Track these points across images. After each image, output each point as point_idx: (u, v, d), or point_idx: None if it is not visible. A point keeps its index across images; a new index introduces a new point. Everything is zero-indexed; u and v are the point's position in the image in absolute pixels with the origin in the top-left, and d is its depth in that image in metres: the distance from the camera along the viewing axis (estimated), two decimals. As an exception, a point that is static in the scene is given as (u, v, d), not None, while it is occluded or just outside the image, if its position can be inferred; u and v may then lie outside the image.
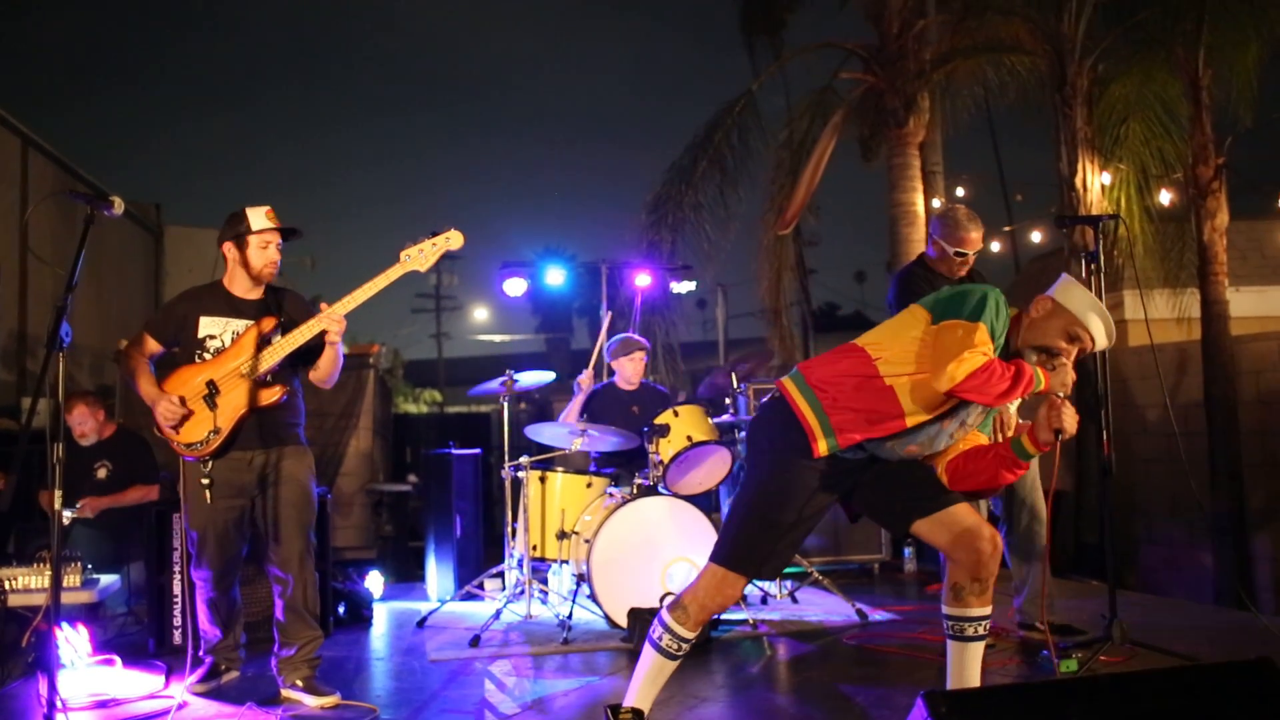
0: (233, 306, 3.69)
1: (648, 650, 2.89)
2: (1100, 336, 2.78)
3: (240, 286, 3.71)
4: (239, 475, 3.63)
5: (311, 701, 3.59)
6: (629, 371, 5.56)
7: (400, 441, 11.03)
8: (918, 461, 2.87)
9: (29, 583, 3.74)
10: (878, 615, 4.82)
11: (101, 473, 5.06)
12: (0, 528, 5.10)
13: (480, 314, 31.04)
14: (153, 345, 3.69)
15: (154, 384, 3.59)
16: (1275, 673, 2.30)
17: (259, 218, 3.68)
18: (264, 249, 3.68)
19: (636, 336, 5.67)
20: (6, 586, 3.72)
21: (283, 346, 3.59)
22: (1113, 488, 3.85)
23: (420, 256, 3.59)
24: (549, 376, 5.40)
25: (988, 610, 2.87)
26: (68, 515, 4.77)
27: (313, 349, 3.65)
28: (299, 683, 3.66)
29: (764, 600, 5.18)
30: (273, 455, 3.67)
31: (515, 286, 7.05)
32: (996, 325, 2.75)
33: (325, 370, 3.74)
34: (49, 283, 7.39)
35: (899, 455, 2.84)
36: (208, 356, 3.63)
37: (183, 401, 3.53)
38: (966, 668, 2.89)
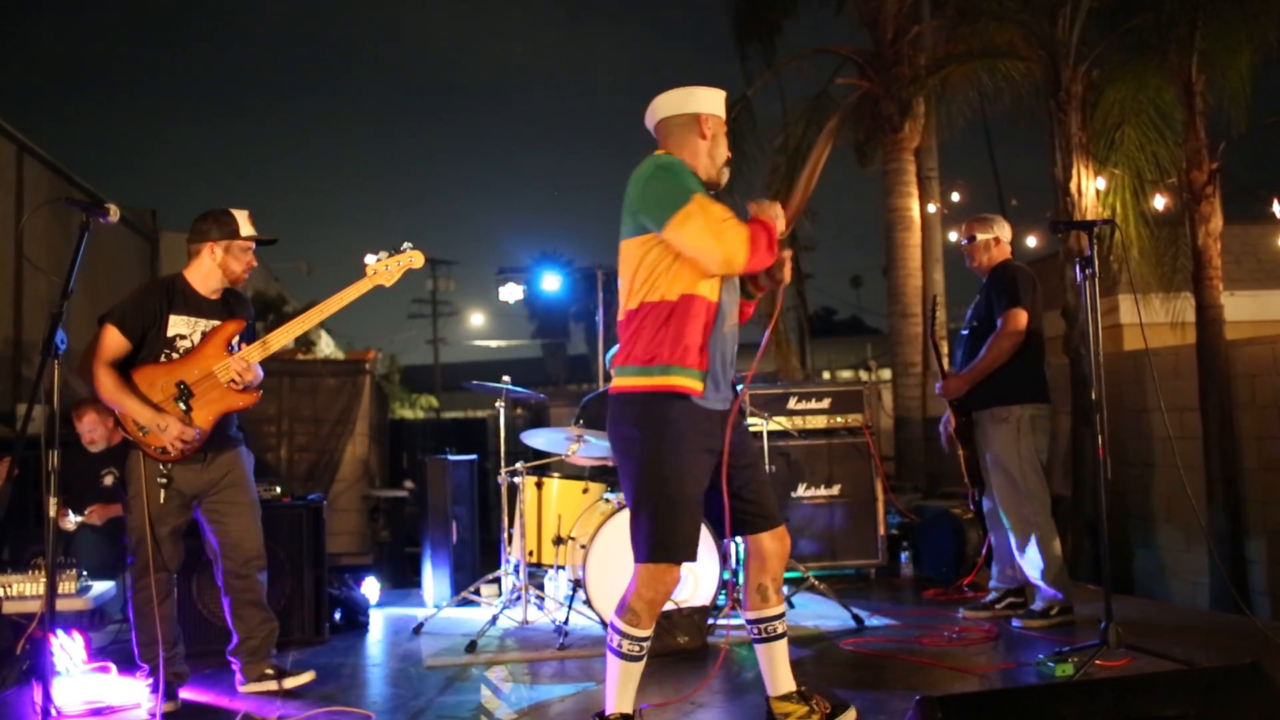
0: (198, 305, 3.65)
1: (612, 659, 2.91)
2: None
3: (206, 285, 3.67)
4: (196, 476, 3.62)
5: (290, 683, 3.68)
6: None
7: (396, 447, 11.04)
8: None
9: (24, 589, 3.74)
10: (874, 620, 4.82)
11: (108, 480, 5.07)
12: (-5, 534, 5.09)
13: (477, 319, 31.07)
14: (120, 344, 3.53)
15: (146, 401, 3.49)
16: (1269, 677, 2.30)
17: (246, 223, 3.67)
18: (246, 253, 3.69)
19: None
20: (1, 593, 3.71)
21: (257, 352, 3.60)
22: (1108, 492, 3.86)
23: (386, 272, 3.68)
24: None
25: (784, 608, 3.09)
26: (75, 520, 4.78)
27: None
28: (268, 671, 3.72)
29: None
30: (224, 456, 3.69)
31: (512, 292, 7.07)
32: (697, 181, 2.96)
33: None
34: (44, 289, 7.38)
35: (733, 332, 2.97)
36: (175, 356, 3.57)
37: (157, 402, 3.50)
38: (781, 665, 3.05)
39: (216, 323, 3.64)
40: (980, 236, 4.66)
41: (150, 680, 3.61)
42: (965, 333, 4.74)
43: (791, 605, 5.17)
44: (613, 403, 2.91)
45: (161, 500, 3.55)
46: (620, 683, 2.91)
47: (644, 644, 2.89)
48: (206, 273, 3.66)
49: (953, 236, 10.42)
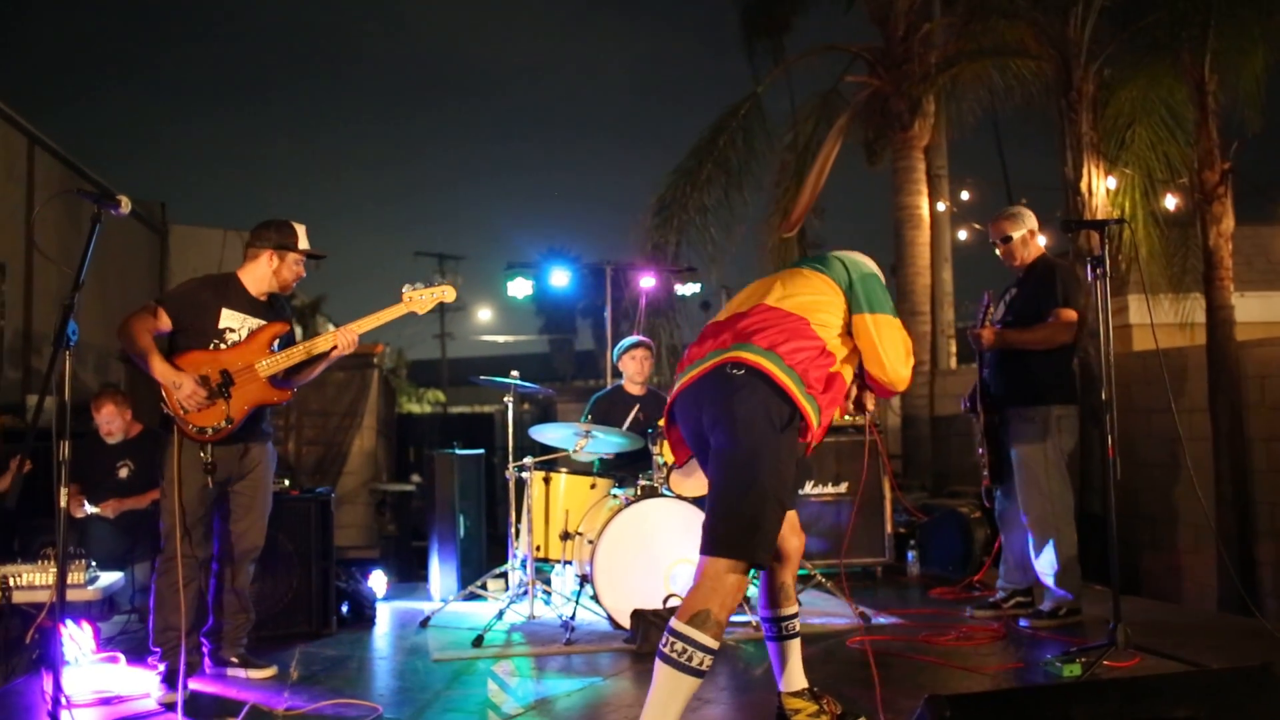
0: (250, 304, 3.86)
1: (674, 674, 2.56)
2: None
3: (257, 287, 3.88)
4: (231, 464, 3.78)
5: (254, 674, 3.85)
6: (632, 370, 5.57)
7: (403, 441, 11.06)
8: None
9: (33, 579, 3.75)
10: (881, 618, 4.82)
11: (123, 472, 5.09)
12: (5, 525, 5.11)
13: (484, 314, 31.08)
14: (164, 322, 3.70)
15: (169, 363, 3.63)
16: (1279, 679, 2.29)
17: (304, 238, 3.90)
18: (298, 265, 3.91)
19: (638, 336, 5.70)
20: (11, 583, 3.72)
21: (299, 353, 3.79)
22: (1117, 492, 3.84)
23: (420, 300, 3.95)
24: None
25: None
26: (89, 509, 4.81)
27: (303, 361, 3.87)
28: (234, 659, 3.88)
29: (767, 602, 5.16)
30: (255, 448, 3.86)
31: (521, 287, 7.08)
32: None
33: (302, 379, 3.95)
34: (54, 280, 7.41)
35: None
36: (223, 347, 3.75)
37: (203, 383, 3.62)
38: (795, 662, 3.09)
39: (263, 322, 3.84)
40: (1015, 234, 4.56)
41: (163, 666, 3.65)
42: (999, 327, 4.62)
43: (799, 603, 5.17)
44: (748, 377, 2.74)
45: (209, 485, 3.69)
46: (681, 703, 2.58)
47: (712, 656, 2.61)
48: (260, 276, 3.87)
49: (962, 235, 10.40)
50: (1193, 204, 6.98)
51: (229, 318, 3.79)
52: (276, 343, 3.82)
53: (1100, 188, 7.10)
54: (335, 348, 3.81)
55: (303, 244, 3.89)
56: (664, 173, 9.23)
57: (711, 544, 2.66)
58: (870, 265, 3.05)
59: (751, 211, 9.43)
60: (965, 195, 10.50)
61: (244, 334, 3.79)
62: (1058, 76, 7.23)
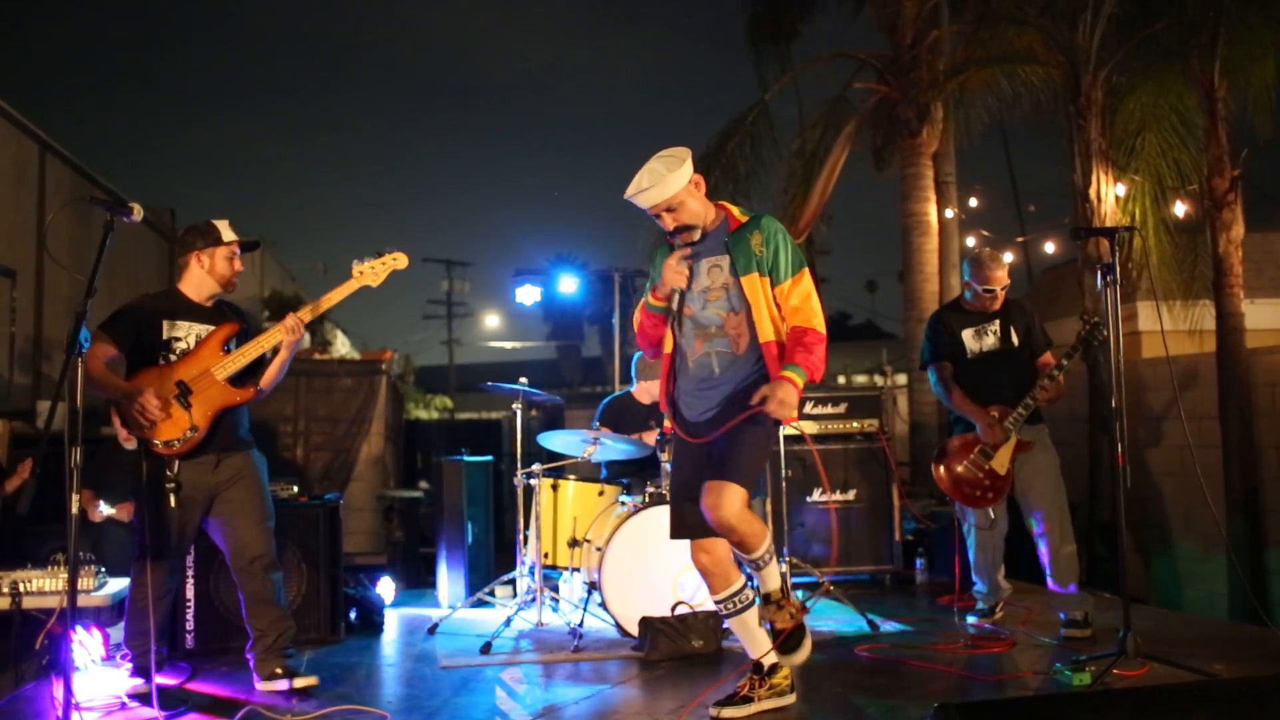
0: (194, 311, 3.83)
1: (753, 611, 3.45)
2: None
3: (200, 293, 3.85)
4: (204, 475, 3.74)
5: (299, 683, 3.73)
6: (656, 391, 5.56)
7: (411, 447, 11.05)
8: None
9: (43, 585, 3.77)
10: (889, 626, 4.80)
11: None
12: (15, 530, 5.13)
13: (491, 320, 31.09)
14: (108, 350, 3.68)
15: (122, 381, 3.63)
16: (1293, 689, 2.28)
17: (227, 230, 3.85)
18: (230, 260, 3.87)
19: None
20: (21, 589, 3.74)
21: (253, 349, 3.77)
22: (1127, 500, 3.83)
23: (372, 273, 3.90)
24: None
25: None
26: (106, 512, 4.83)
27: (261, 359, 3.86)
28: (278, 670, 3.78)
29: (775, 610, 5.15)
30: (232, 458, 3.81)
31: (529, 294, 7.08)
32: None
33: (269, 378, 3.91)
34: (65, 287, 7.44)
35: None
36: (173, 358, 3.73)
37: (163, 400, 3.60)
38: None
39: (211, 327, 3.82)
40: (1007, 279, 4.74)
41: (132, 667, 3.75)
42: (985, 353, 4.70)
43: (807, 610, 5.15)
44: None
45: (173, 504, 3.65)
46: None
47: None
48: (198, 281, 3.85)
49: (970, 242, 10.38)
50: (1202, 211, 6.96)
51: (173, 328, 3.76)
52: (230, 344, 3.80)
53: (1109, 194, 7.08)
54: (284, 340, 3.78)
55: (227, 235, 3.83)
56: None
57: None
58: (776, 223, 3.42)
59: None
60: (973, 202, 10.49)
61: (192, 341, 3.76)
62: (1066, 83, 7.22)
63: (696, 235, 3.36)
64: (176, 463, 3.66)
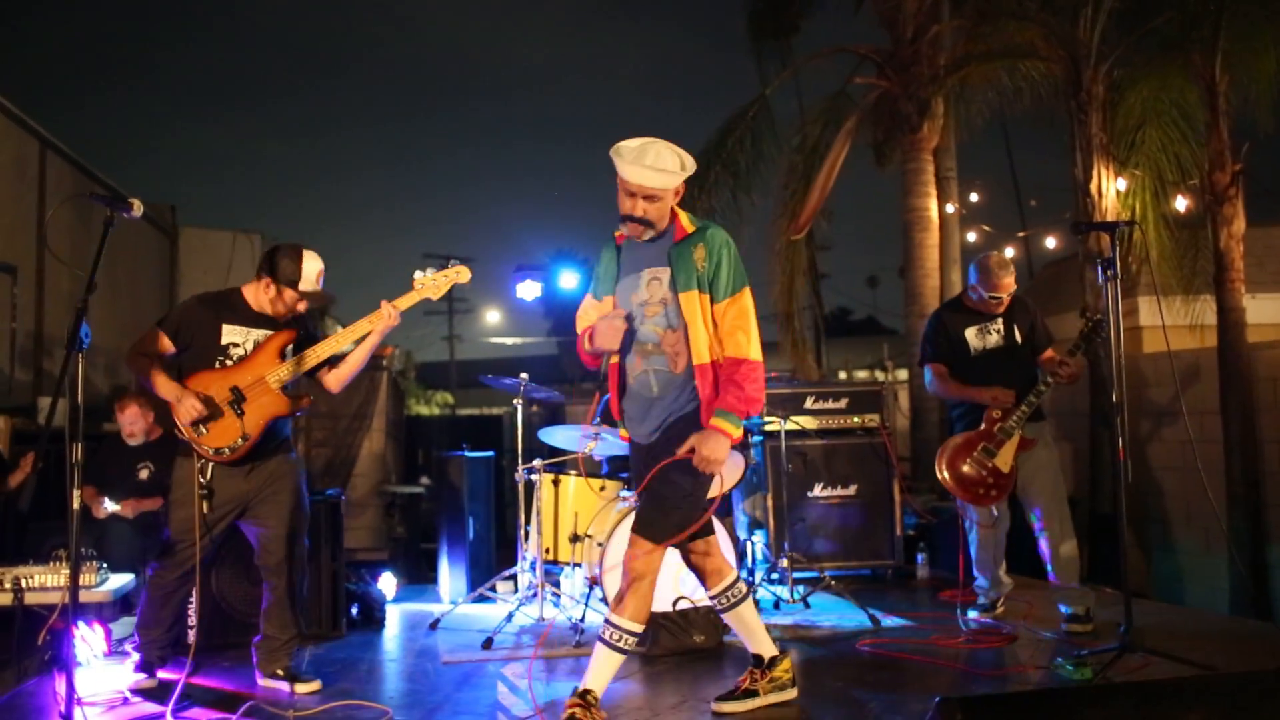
0: (252, 317, 3.78)
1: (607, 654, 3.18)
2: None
3: (259, 303, 3.80)
4: (236, 484, 3.70)
5: (300, 688, 3.73)
6: None
7: (412, 443, 11.05)
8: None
9: (45, 581, 3.77)
10: (890, 621, 4.81)
11: (144, 474, 5.11)
12: (16, 526, 5.13)
13: (492, 316, 31.10)
14: (166, 344, 3.68)
15: (173, 381, 3.61)
16: (1294, 683, 2.28)
17: (311, 279, 3.74)
18: (297, 302, 3.78)
19: None
20: (23, 585, 3.74)
21: (310, 357, 3.73)
22: (1128, 495, 3.83)
23: (433, 286, 3.79)
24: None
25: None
26: (110, 508, 4.84)
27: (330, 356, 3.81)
28: (279, 671, 3.79)
29: (776, 605, 5.17)
30: (269, 464, 3.77)
31: (530, 290, 7.07)
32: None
33: (346, 373, 3.89)
34: (65, 283, 7.44)
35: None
36: (229, 363, 3.69)
37: (209, 403, 3.58)
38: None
39: (270, 333, 3.75)
40: (1014, 285, 4.74)
41: (138, 657, 3.76)
42: (988, 351, 4.71)
43: (808, 605, 5.17)
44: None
45: (206, 510, 3.64)
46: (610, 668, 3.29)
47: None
48: (258, 295, 3.79)
49: (971, 237, 10.38)
50: (1204, 205, 6.95)
51: (231, 333, 3.72)
52: (287, 351, 3.76)
53: (1110, 189, 7.08)
54: (376, 328, 3.70)
55: (304, 285, 3.74)
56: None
57: None
58: (721, 235, 3.28)
59: (759, 214, 9.44)
60: (974, 197, 10.48)
61: (249, 347, 3.72)
62: (1067, 78, 7.21)
63: (648, 235, 3.24)
64: (211, 468, 3.63)
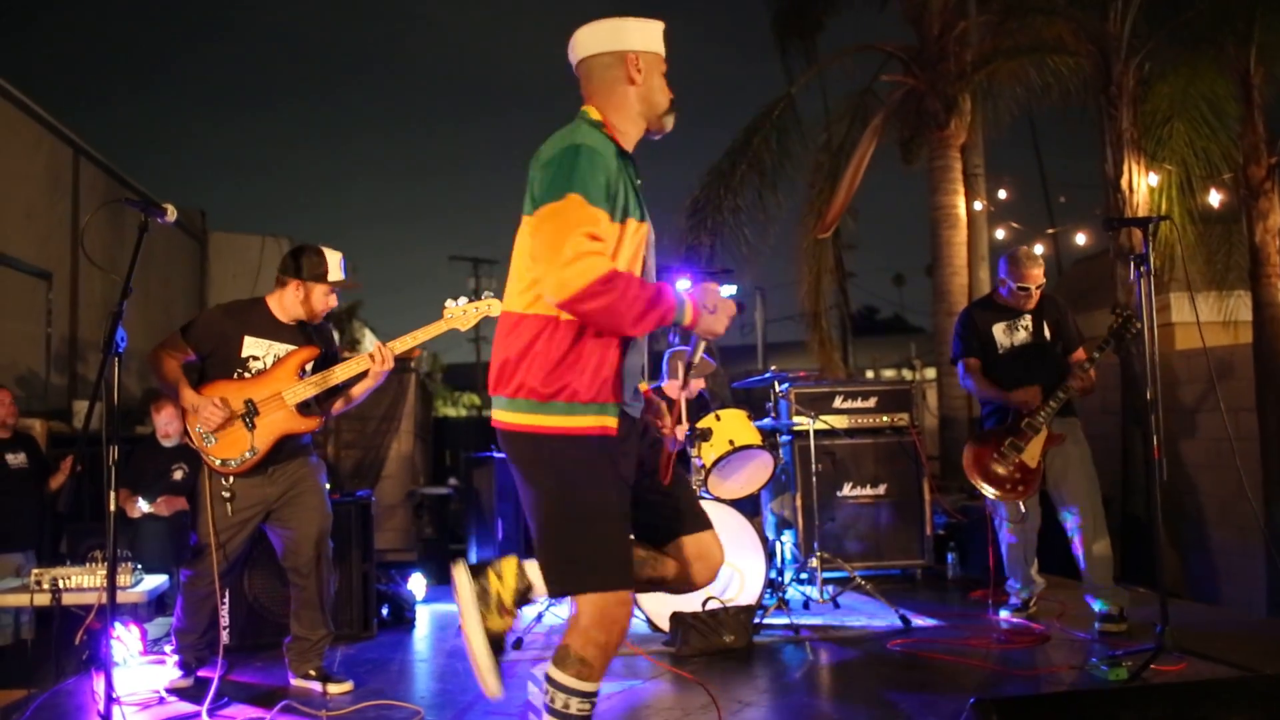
0: (275, 329, 3.77)
1: None
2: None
3: (286, 314, 3.80)
4: (260, 488, 3.73)
5: (332, 689, 3.75)
6: (694, 388, 5.56)
7: (440, 445, 11.11)
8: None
9: (82, 582, 3.82)
10: (921, 621, 4.78)
11: (178, 474, 5.18)
12: (54, 527, 5.21)
13: (518, 318, 31.08)
14: (187, 351, 3.71)
15: (193, 388, 3.63)
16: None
17: (337, 269, 3.78)
18: (326, 296, 3.81)
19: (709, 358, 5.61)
20: (61, 585, 3.80)
21: (328, 379, 3.73)
22: (1163, 493, 3.79)
23: (463, 316, 3.79)
24: None
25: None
26: (144, 508, 4.91)
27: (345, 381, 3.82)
28: (311, 672, 3.82)
29: (806, 605, 5.15)
30: (291, 466, 3.78)
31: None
32: (598, 181, 2.18)
33: (342, 405, 3.93)
34: (98, 288, 7.54)
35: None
36: (248, 375, 3.70)
37: (225, 405, 3.61)
38: None
39: (291, 348, 3.75)
40: (1043, 278, 4.69)
41: (177, 658, 3.83)
42: (1016, 348, 4.67)
43: (837, 605, 5.14)
44: (512, 438, 2.38)
45: (229, 514, 3.67)
46: None
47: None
48: (289, 304, 3.78)
49: (999, 234, 10.28)
50: (1237, 200, 6.86)
51: (252, 345, 3.71)
52: (306, 368, 3.75)
53: (1141, 184, 6.99)
54: (369, 369, 3.72)
55: (333, 275, 3.77)
56: (697, 174, 9.22)
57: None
58: (561, 140, 2.28)
59: (786, 212, 9.39)
60: (1002, 194, 10.38)
61: (269, 361, 3.71)
62: (1096, 73, 7.13)
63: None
64: (232, 476, 3.67)
